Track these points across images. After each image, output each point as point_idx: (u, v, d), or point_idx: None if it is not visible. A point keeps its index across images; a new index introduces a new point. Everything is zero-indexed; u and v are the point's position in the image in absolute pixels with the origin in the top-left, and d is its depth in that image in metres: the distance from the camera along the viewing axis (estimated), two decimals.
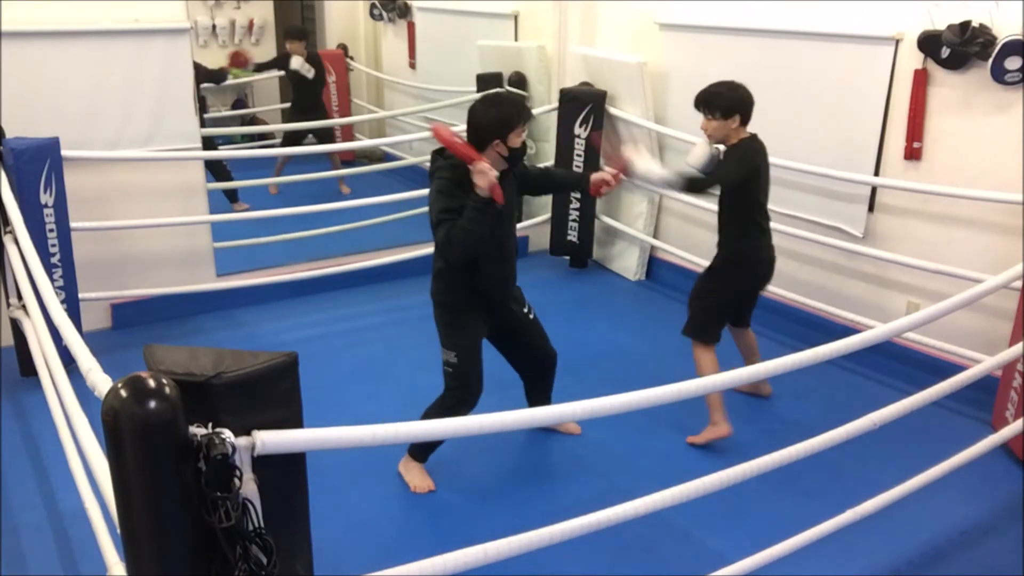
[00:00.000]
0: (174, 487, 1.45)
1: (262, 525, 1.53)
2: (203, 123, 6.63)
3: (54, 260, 3.98)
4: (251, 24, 8.37)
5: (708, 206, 4.93)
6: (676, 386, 2.07)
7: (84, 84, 4.29)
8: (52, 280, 3.63)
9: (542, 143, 6.07)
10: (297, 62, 7.01)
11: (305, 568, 1.76)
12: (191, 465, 1.45)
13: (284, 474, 1.64)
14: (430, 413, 3.17)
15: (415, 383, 4.08)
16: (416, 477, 3.27)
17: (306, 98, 7.27)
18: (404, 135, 6.67)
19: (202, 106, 6.34)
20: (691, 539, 2.99)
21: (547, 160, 5.86)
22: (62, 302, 3.03)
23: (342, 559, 2.76)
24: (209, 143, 6.25)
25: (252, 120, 8.48)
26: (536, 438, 3.65)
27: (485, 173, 2.86)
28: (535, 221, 5.82)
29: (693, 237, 5.30)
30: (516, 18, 6.18)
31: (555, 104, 5.61)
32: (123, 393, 1.40)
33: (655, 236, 5.56)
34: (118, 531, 1.54)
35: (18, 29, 4.05)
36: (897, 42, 4.01)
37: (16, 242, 3.42)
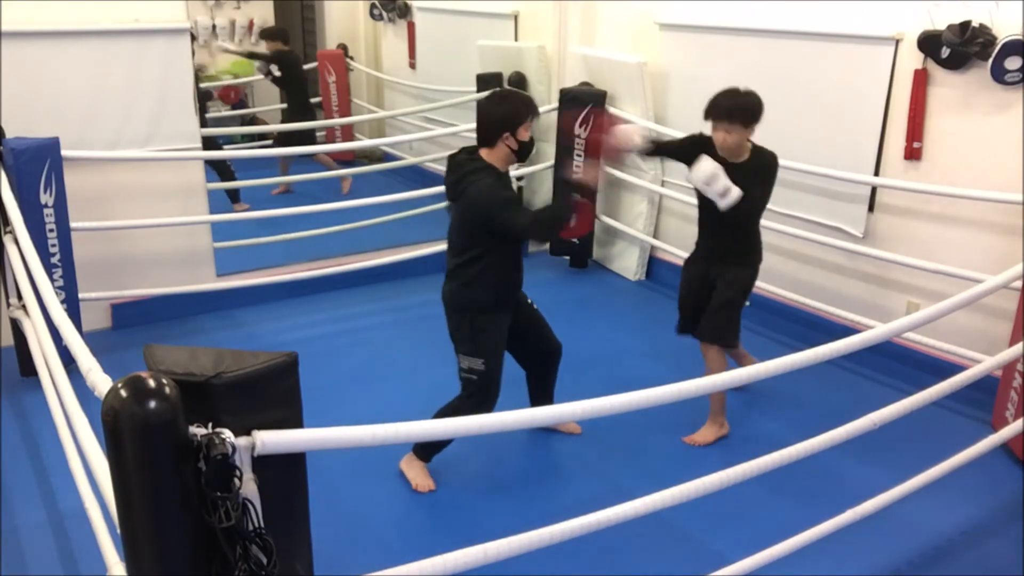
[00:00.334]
0: (174, 487, 1.45)
1: (262, 525, 1.53)
2: (204, 123, 6.65)
3: (54, 260, 3.98)
4: (251, 24, 8.38)
5: None
6: (676, 386, 2.07)
7: (84, 84, 4.29)
8: (52, 280, 3.63)
9: (542, 143, 6.06)
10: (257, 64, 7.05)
11: (305, 568, 1.76)
12: (191, 465, 1.45)
13: (284, 474, 1.64)
14: (444, 416, 3.15)
15: (415, 383, 4.09)
16: (418, 476, 3.27)
17: (290, 99, 7.26)
18: (404, 135, 6.68)
19: (203, 106, 6.36)
20: (691, 539, 2.99)
21: (547, 160, 5.86)
22: (62, 302, 3.02)
23: (342, 559, 2.76)
24: (214, 143, 6.26)
25: (252, 120, 8.48)
26: (537, 438, 3.65)
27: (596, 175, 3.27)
28: None
29: (693, 237, 5.27)
30: (516, 18, 6.18)
31: (555, 104, 5.62)
32: (123, 393, 1.40)
33: (655, 236, 5.56)
34: (118, 531, 1.54)
35: (18, 29, 4.05)
36: (897, 42, 4.01)
37: (16, 242, 3.42)
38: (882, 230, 4.28)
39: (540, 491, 3.30)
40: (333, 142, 7.87)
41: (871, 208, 4.29)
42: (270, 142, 8.20)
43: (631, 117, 5.33)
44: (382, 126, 8.37)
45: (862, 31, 4.13)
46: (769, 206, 3.53)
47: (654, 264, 5.62)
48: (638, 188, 5.49)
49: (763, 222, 3.67)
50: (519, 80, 5.96)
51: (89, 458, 2.23)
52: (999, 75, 3.61)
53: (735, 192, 3.20)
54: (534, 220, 3.07)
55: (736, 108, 3.25)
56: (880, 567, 2.86)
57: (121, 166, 4.49)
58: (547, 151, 5.93)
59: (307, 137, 7.17)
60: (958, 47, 3.69)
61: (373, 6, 8.02)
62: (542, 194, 6.05)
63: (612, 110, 5.46)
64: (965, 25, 3.66)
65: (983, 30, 3.62)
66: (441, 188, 6.04)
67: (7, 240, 3.72)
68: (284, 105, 7.70)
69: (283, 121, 7.38)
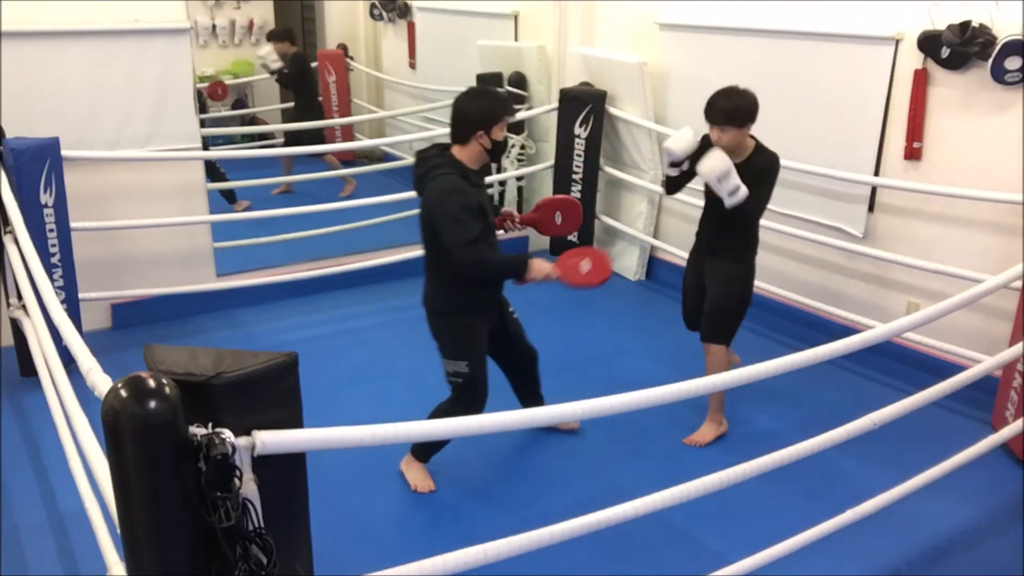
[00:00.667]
0: (174, 487, 1.45)
1: (262, 525, 1.53)
2: (201, 123, 6.65)
3: (54, 260, 3.98)
4: (251, 24, 8.38)
5: None
6: (676, 386, 2.07)
7: (84, 84, 4.30)
8: (52, 280, 3.63)
9: (542, 143, 6.07)
10: (264, 50, 7.03)
11: (305, 568, 1.76)
12: (191, 465, 1.45)
13: (284, 474, 1.65)
14: (436, 418, 3.14)
15: (415, 383, 4.08)
16: (418, 477, 3.27)
17: (297, 98, 7.27)
18: (404, 135, 6.68)
19: (201, 106, 6.36)
20: (691, 539, 2.99)
21: (547, 160, 5.86)
22: (62, 302, 3.03)
23: (342, 559, 2.76)
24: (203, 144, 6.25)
25: (252, 120, 8.49)
26: (536, 438, 3.65)
27: (544, 276, 3.03)
28: None
29: (693, 237, 5.29)
30: (516, 18, 6.18)
31: (555, 104, 5.62)
32: (123, 393, 1.40)
33: (655, 236, 5.56)
34: (118, 531, 1.54)
35: (18, 29, 4.05)
36: (897, 42, 4.01)
37: (16, 242, 3.42)
38: (882, 230, 4.28)
39: (540, 491, 3.30)
40: (333, 142, 7.87)
41: (871, 208, 4.29)
42: (270, 142, 8.23)
43: (631, 117, 5.33)
44: (382, 126, 8.36)
45: (862, 31, 4.13)
46: (769, 206, 3.53)
47: (654, 264, 5.62)
48: (638, 188, 5.49)
49: (763, 221, 3.67)
50: (519, 80, 5.96)
51: (89, 458, 2.23)
52: (999, 75, 3.61)
53: (743, 191, 3.20)
54: (476, 262, 2.92)
55: (727, 110, 3.26)
56: (880, 567, 2.86)
57: (121, 166, 4.49)
58: (547, 151, 5.93)
59: (317, 137, 7.20)
60: (958, 47, 3.69)
61: (373, 6, 8.02)
62: (542, 194, 6.04)
63: (612, 110, 5.47)
64: (965, 25, 3.66)
65: (983, 30, 3.62)
66: None
67: (7, 240, 3.72)
68: (290, 105, 7.71)
69: (291, 120, 7.39)
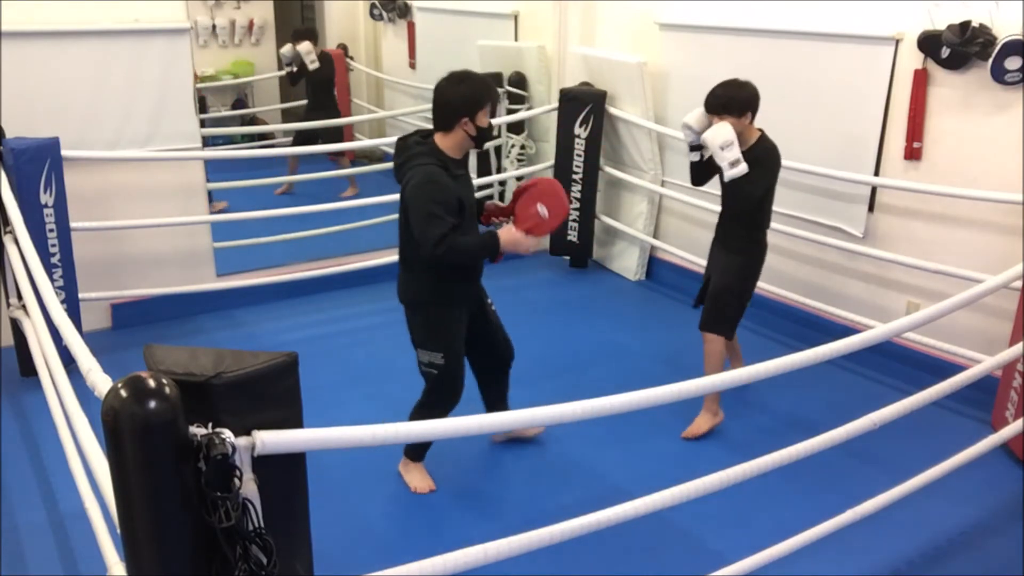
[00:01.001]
0: (174, 487, 1.45)
1: (262, 525, 1.53)
2: (200, 123, 6.64)
3: (54, 260, 3.98)
4: (251, 24, 8.38)
5: (709, 206, 4.94)
6: (676, 386, 2.07)
7: (84, 84, 4.30)
8: (52, 280, 3.63)
9: (542, 143, 6.07)
10: (306, 48, 7.01)
11: (305, 568, 1.76)
12: (191, 465, 1.45)
13: (284, 474, 1.64)
14: (414, 417, 3.13)
15: (415, 383, 4.06)
16: (416, 478, 3.26)
17: (319, 97, 7.27)
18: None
19: (201, 106, 6.35)
20: (691, 539, 2.99)
21: (548, 160, 5.86)
22: (62, 302, 3.03)
23: (342, 559, 2.76)
24: None
25: (252, 120, 8.49)
26: (536, 438, 3.65)
27: (521, 246, 2.96)
28: None
29: (693, 237, 5.29)
30: (516, 18, 6.18)
31: (555, 104, 5.62)
32: (123, 393, 1.40)
33: (655, 236, 5.56)
34: (118, 531, 1.54)
35: (18, 29, 4.05)
36: (897, 42, 4.01)
37: (16, 242, 3.42)
38: (882, 230, 4.28)
39: (540, 491, 3.30)
40: (341, 141, 7.87)
41: (871, 208, 4.29)
42: (271, 142, 8.24)
43: (631, 117, 5.33)
44: (382, 126, 8.37)
45: (862, 31, 4.13)
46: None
47: (654, 264, 5.62)
48: (638, 188, 5.49)
49: None
50: (519, 80, 5.96)
51: (89, 458, 2.23)
52: (999, 75, 3.61)
53: (743, 166, 3.30)
54: (445, 254, 2.82)
55: (723, 100, 3.36)
56: (880, 567, 2.86)
57: (121, 166, 4.49)
58: (547, 151, 5.93)
59: (336, 136, 7.22)
60: (958, 47, 3.69)
61: (373, 6, 8.02)
62: None
63: (612, 110, 5.47)
64: (965, 25, 3.66)
65: (983, 30, 3.62)
66: None
67: (7, 240, 3.72)
68: (291, 104, 7.72)
69: (296, 120, 7.39)
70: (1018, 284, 3.32)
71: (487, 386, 3.41)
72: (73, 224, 4.06)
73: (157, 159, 4.53)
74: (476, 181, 5.73)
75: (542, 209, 3.01)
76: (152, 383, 1.41)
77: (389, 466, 3.34)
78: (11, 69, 4.08)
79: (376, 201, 5.39)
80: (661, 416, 3.33)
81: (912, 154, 4.05)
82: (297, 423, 1.65)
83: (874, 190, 4.25)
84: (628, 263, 5.66)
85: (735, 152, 3.30)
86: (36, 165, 3.84)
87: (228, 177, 6.41)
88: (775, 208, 3.61)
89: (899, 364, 4.14)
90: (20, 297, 3.78)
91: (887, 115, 4.12)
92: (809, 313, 4.57)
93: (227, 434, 1.47)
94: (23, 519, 3.05)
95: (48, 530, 2.99)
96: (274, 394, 1.60)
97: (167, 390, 1.41)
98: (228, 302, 4.92)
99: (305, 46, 6.99)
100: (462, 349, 3.14)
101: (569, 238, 5.72)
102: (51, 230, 3.95)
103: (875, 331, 2.51)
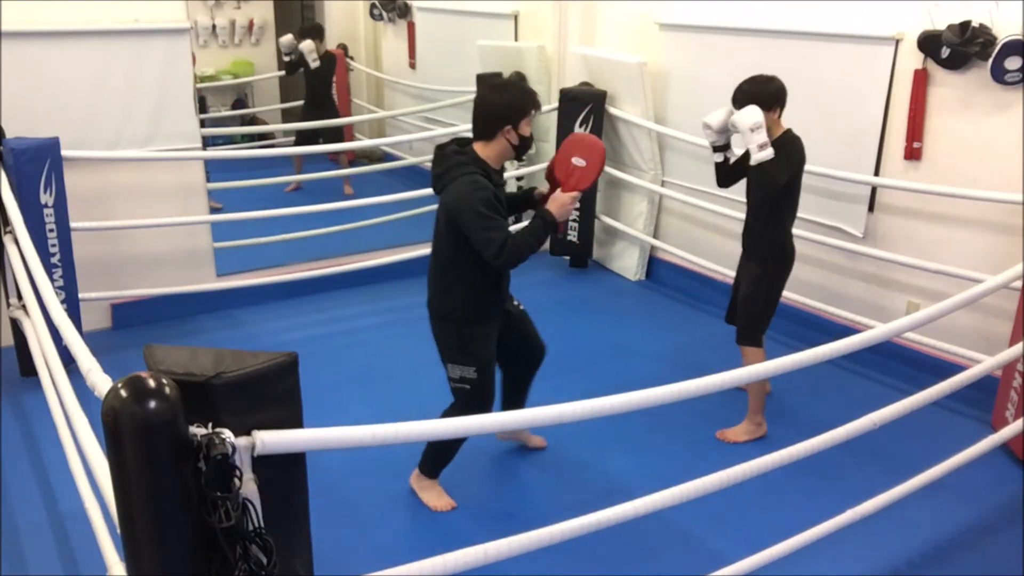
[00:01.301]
0: (174, 487, 1.45)
1: (262, 525, 1.53)
2: (201, 123, 6.63)
3: (54, 260, 3.98)
4: (251, 24, 8.37)
5: (708, 206, 4.94)
6: (676, 386, 2.07)
7: (84, 84, 4.29)
8: (52, 280, 3.63)
9: (542, 143, 6.06)
10: (308, 46, 7.00)
11: (305, 568, 1.76)
12: (191, 465, 1.45)
13: (284, 474, 1.64)
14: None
15: (415, 383, 4.09)
16: (433, 496, 3.15)
17: (312, 95, 7.28)
18: (404, 135, 6.68)
19: (201, 106, 6.35)
20: (691, 539, 2.99)
21: (547, 160, 5.85)
22: (62, 302, 3.03)
23: (342, 559, 2.76)
24: None
25: (252, 120, 8.49)
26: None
27: (569, 205, 2.92)
28: None
29: (693, 237, 5.30)
30: (516, 18, 6.18)
31: (555, 104, 5.61)
32: (123, 393, 1.40)
33: (655, 236, 5.56)
34: (118, 531, 1.54)
35: (18, 29, 4.05)
36: (897, 42, 4.01)
37: (16, 242, 3.42)
38: (882, 230, 4.28)
39: (539, 491, 3.30)
40: (341, 140, 7.87)
41: (871, 208, 4.29)
42: (271, 142, 8.24)
43: (631, 117, 5.33)
44: (382, 126, 8.37)
45: (862, 31, 4.13)
46: None
47: (654, 264, 5.62)
48: (638, 188, 5.49)
49: None
50: (519, 80, 5.96)
51: (89, 458, 2.23)
52: (999, 75, 3.61)
53: (770, 150, 3.30)
54: (512, 255, 2.79)
55: (749, 95, 3.37)
56: (880, 567, 2.86)
57: (121, 166, 4.49)
58: (547, 151, 5.93)
59: (336, 135, 7.22)
60: (958, 47, 3.69)
61: (373, 6, 8.02)
62: None
63: (612, 110, 5.47)
64: (965, 25, 3.66)
65: (983, 30, 3.62)
66: None
67: (7, 240, 3.72)
68: (292, 104, 7.71)
69: (295, 119, 7.39)
70: (1018, 284, 3.32)
71: (509, 385, 3.35)
72: (73, 224, 4.06)
73: (157, 159, 4.53)
74: None
75: (578, 160, 2.99)
76: (152, 383, 1.41)
77: (389, 466, 3.33)
78: (11, 69, 4.08)
79: (376, 201, 5.39)
80: (661, 416, 3.34)
81: (912, 154, 4.05)
82: (297, 423, 1.64)
83: (874, 190, 4.25)
84: (628, 263, 5.66)
85: (763, 135, 3.29)
86: (36, 165, 3.84)
87: (228, 177, 6.40)
88: None
89: (899, 364, 4.14)
90: (20, 297, 3.78)
91: (887, 115, 4.12)
92: (809, 313, 4.57)
93: (227, 434, 1.47)
94: (23, 519, 3.05)
95: (48, 530, 2.99)
96: (274, 394, 1.60)
97: (167, 390, 1.41)
98: (228, 302, 4.92)
99: (308, 44, 6.98)
100: (494, 362, 3.08)
101: (569, 238, 5.72)
102: (51, 230, 3.95)
103: (875, 331, 2.51)
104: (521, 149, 2.93)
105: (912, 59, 3.97)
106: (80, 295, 4.17)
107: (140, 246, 4.66)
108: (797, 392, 4.00)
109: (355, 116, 8.14)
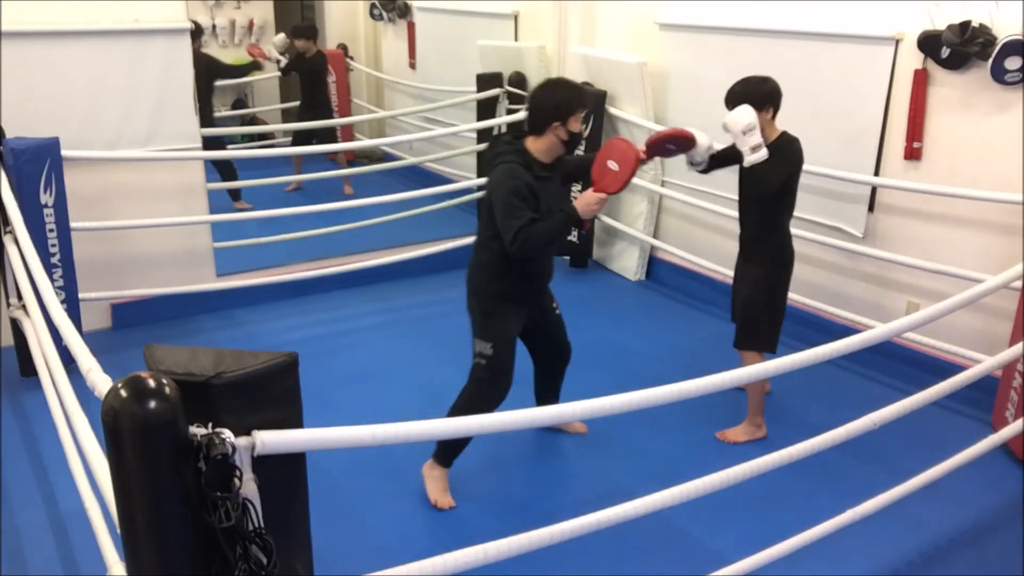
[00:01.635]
0: (174, 487, 1.45)
1: (262, 525, 1.53)
2: (212, 122, 6.65)
3: (54, 260, 3.98)
4: (251, 24, 8.37)
5: (708, 206, 4.94)
6: (676, 386, 2.07)
7: (84, 84, 4.30)
8: (52, 280, 3.63)
9: None
10: (279, 39, 7.05)
11: (305, 568, 1.76)
12: (191, 465, 1.45)
13: (284, 474, 1.65)
14: (456, 409, 3.14)
15: (415, 383, 4.09)
16: (438, 490, 3.18)
17: (307, 95, 7.29)
18: (404, 135, 6.68)
19: (209, 104, 6.37)
20: (691, 539, 2.99)
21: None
22: (62, 302, 3.03)
23: (342, 559, 2.76)
24: (219, 142, 6.29)
25: (252, 120, 8.49)
26: (539, 437, 3.65)
27: (594, 205, 3.01)
28: None
29: (693, 237, 5.30)
30: (516, 18, 6.18)
31: None
32: (123, 393, 1.40)
33: (655, 236, 5.56)
34: (118, 531, 1.54)
35: (18, 29, 4.05)
36: (897, 42, 4.01)
37: (16, 242, 3.42)
38: (882, 230, 4.28)
39: (540, 491, 3.30)
40: (334, 141, 7.88)
41: (871, 208, 4.29)
42: (271, 142, 8.24)
43: (631, 117, 5.33)
44: (382, 126, 8.37)
45: (862, 31, 4.13)
46: None
47: (654, 264, 5.62)
48: (638, 188, 5.49)
49: None
50: (519, 80, 5.96)
51: (89, 458, 2.23)
52: (999, 75, 3.61)
53: (764, 152, 3.27)
54: (525, 242, 2.90)
55: (740, 95, 3.34)
56: (880, 567, 2.86)
57: (121, 166, 4.49)
58: None
59: (330, 135, 7.22)
60: (958, 47, 3.69)
61: (373, 6, 8.02)
62: None
63: (612, 110, 5.47)
64: (965, 25, 3.66)
65: (983, 30, 3.62)
66: (441, 188, 6.07)
67: (7, 240, 3.72)
68: (292, 104, 7.71)
69: (294, 119, 7.40)
70: (1018, 284, 3.32)
71: (540, 381, 3.55)
72: (73, 224, 4.06)
73: (157, 159, 4.53)
74: (477, 180, 5.77)
75: (612, 164, 3.10)
76: (152, 383, 1.41)
77: (389, 466, 3.34)
78: (11, 69, 4.08)
79: (376, 201, 5.39)
80: (661, 416, 3.34)
81: (912, 154, 4.05)
82: (297, 423, 1.65)
83: (874, 190, 4.25)
84: (628, 263, 5.66)
85: (757, 137, 3.26)
86: (36, 165, 3.84)
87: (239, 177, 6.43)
88: None
89: (899, 364, 4.14)
90: (20, 297, 3.78)
91: (887, 115, 4.12)
92: (809, 313, 4.57)
93: (227, 434, 1.47)
94: (23, 519, 3.05)
95: (48, 530, 2.99)
96: (274, 394, 1.60)
97: (167, 390, 1.41)
98: (228, 302, 4.92)
99: (279, 37, 7.05)
100: (513, 346, 3.20)
101: (569, 238, 5.72)
102: (51, 230, 3.95)
103: (875, 331, 2.51)
104: (571, 145, 3.08)
105: (912, 59, 3.97)
106: (80, 295, 4.17)
107: (140, 246, 4.66)
108: (797, 392, 4.00)
109: (355, 116, 8.14)
